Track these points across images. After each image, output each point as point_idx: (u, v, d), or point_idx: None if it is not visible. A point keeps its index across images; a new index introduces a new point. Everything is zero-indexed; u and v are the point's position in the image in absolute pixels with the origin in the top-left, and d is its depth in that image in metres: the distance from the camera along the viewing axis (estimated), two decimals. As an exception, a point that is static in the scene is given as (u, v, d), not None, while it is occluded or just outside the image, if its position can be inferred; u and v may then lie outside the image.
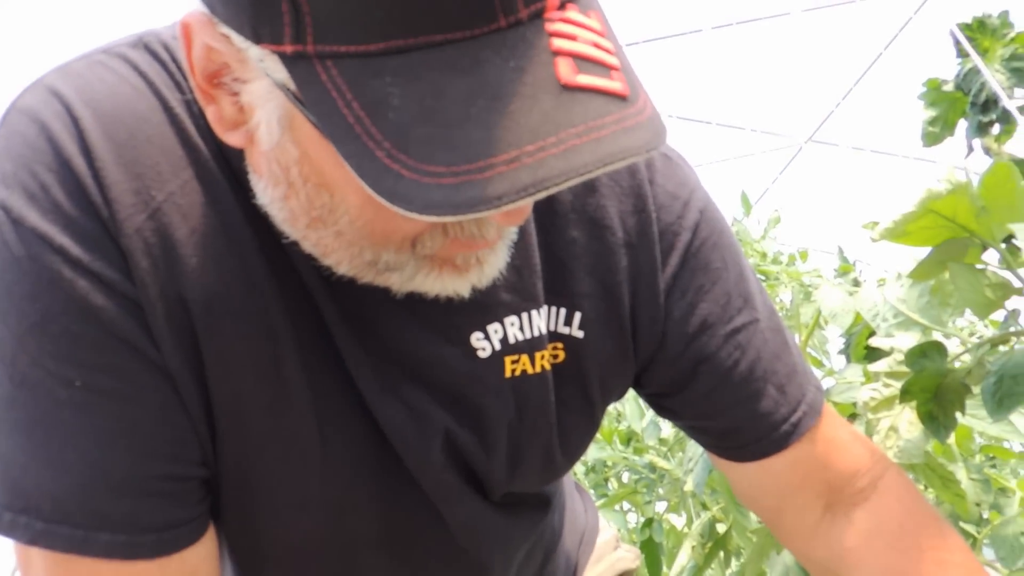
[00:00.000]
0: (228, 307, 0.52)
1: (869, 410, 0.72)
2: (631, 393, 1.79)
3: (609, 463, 1.83)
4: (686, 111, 4.68)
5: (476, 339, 0.58)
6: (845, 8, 4.23)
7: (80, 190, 0.47)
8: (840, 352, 1.15)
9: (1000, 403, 0.70)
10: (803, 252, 1.75)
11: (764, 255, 1.74)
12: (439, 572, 0.65)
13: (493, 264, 0.52)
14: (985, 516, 0.96)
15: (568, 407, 0.62)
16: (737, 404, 0.61)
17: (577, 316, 0.60)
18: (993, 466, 1.11)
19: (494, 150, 0.36)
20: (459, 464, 0.60)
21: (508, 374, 0.59)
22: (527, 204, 0.44)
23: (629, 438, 1.82)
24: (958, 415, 0.83)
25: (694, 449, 1.19)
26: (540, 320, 0.59)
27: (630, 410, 1.63)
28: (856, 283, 1.00)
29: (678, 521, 1.69)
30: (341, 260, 0.50)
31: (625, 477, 2.01)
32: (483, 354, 0.58)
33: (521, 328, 0.59)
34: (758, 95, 4.90)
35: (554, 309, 0.60)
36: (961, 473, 0.96)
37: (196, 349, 0.51)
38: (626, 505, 2.00)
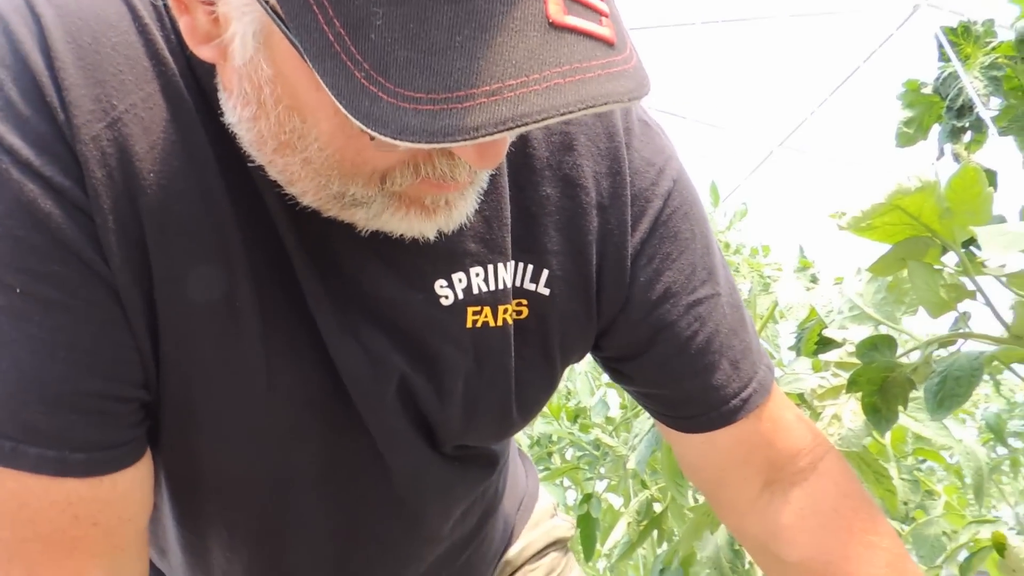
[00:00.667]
0: (184, 227, 0.50)
1: (816, 397, 0.73)
2: (582, 368, 1.79)
3: (555, 438, 1.85)
4: (664, 104, 4.69)
5: (440, 286, 0.57)
6: (829, 18, 4.27)
7: (36, 89, 0.45)
8: (790, 348, 1.17)
9: (941, 403, 0.72)
10: (766, 247, 1.79)
11: (728, 245, 1.76)
12: (373, 519, 0.65)
13: (461, 209, 0.51)
14: (911, 515, 0.99)
15: (527, 363, 0.62)
16: (691, 375, 0.62)
17: (544, 273, 0.60)
18: (920, 469, 1.15)
19: (476, 81, 0.36)
20: (412, 411, 0.60)
21: (469, 325, 0.59)
22: (502, 144, 0.43)
23: (577, 415, 1.84)
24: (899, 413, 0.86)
25: (640, 427, 1.21)
26: (506, 274, 0.59)
27: (581, 386, 1.65)
28: (814, 279, 1.02)
29: (616, 501, 1.72)
30: (307, 189, 0.49)
31: (569, 454, 2.04)
32: (446, 302, 0.58)
33: (486, 280, 0.58)
34: (737, 95, 4.93)
35: (521, 265, 0.60)
36: (893, 472, 0.99)
37: (146, 267, 0.50)
38: (566, 482, 2.03)
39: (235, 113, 0.48)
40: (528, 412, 0.64)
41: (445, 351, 0.58)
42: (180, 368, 0.53)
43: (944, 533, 0.92)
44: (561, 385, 2.32)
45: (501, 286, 0.59)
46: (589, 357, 0.69)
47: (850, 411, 0.72)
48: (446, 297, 0.58)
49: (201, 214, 0.51)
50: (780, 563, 0.65)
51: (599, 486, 1.78)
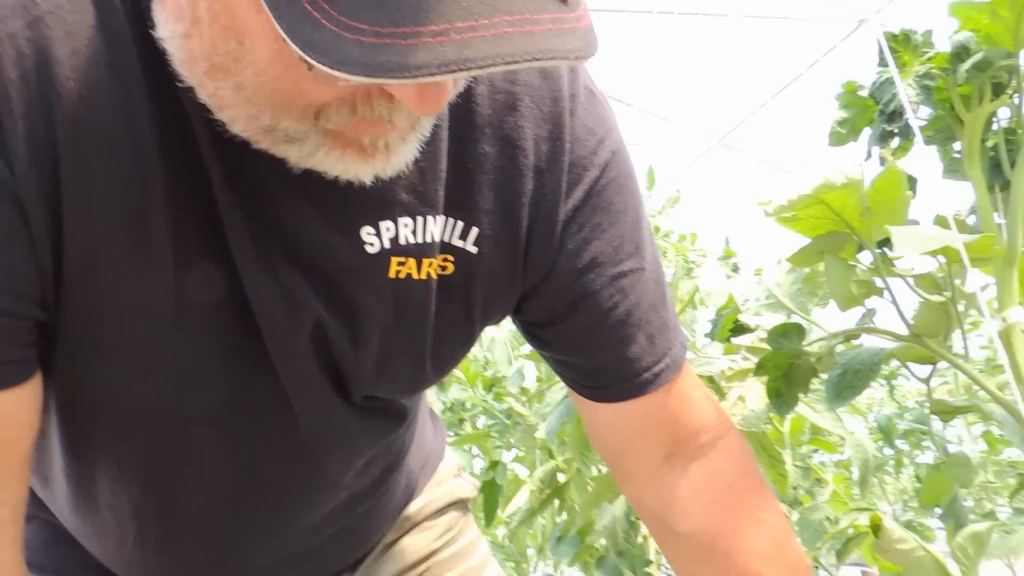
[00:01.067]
0: (100, 143, 0.47)
1: (724, 379, 0.75)
2: (502, 337, 1.79)
3: (468, 405, 1.86)
4: (612, 90, 4.71)
5: (366, 233, 0.56)
6: (780, 23, 4.35)
7: None
8: (707, 335, 1.21)
9: (839, 393, 0.75)
10: (693, 234, 1.83)
11: (658, 229, 1.79)
12: (272, 464, 0.63)
13: (401, 155, 0.50)
14: (799, 500, 1.04)
15: (447, 320, 0.61)
16: (607, 346, 0.63)
17: (474, 231, 0.59)
18: (812, 459, 1.20)
19: (424, 19, 0.35)
20: (324, 357, 0.59)
21: (392, 274, 0.58)
22: (444, 90, 0.42)
23: (492, 384, 1.85)
24: (800, 402, 0.89)
25: (552, 397, 1.22)
26: (435, 228, 0.58)
27: (499, 354, 1.66)
28: (735, 268, 1.05)
29: (522, 472, 1.74)
30: (237, 118, 0.47)
31: (481, 423, 2.05)
32: (370, 249, 0.56)
33: (414, 232, 0.57)
34: (683, 88, 4.99)
35: (451, 220, 0.59)
36: (788, 459, 1.03)
37: (56, 181, 0.47)
38: (475, 450, 2.04)
39: (167, 27, 0.45)
40: (442, 368, 0.64)
41: (364, 299, 0.57)
42: (83, 291, 0.51)
43: (827, 518, 0.97)
44: (479, 354, 2.33)
45: (429, 239, 0.58)
46: (510, 326, 0.69)
47: (755, 394, 0.74)
48: (371, 245, 0.56)
49: (121, 131, 0.48)
50: (672, 534, 0.67)
51: (507, 456, 1.80)
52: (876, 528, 0.62)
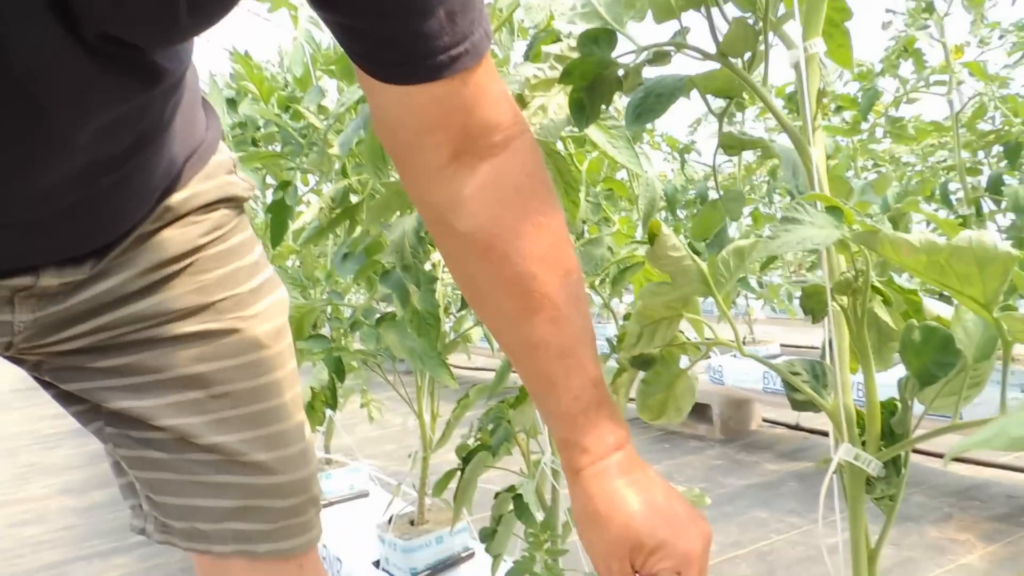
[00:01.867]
0: None
1: (528, 87, 0.71)
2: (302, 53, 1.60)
3: (261, 123, 1.71)
4: None
5: None
6: None
7: None
8: (523, 56, 1.15)
9: (639, 116, 0.73)
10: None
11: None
12: None
13: None
14: (586, 233, 1.07)
15: None
16: (402, 12, 0.55)
17: None
18: (608, 199, 1.24)
19: None
20: None
21: None
22: None
23: (289, 104, 1.70)
24: (599, 132, 0.88)
25: (352, 117, 1.14)
26: None
27: (295, 60, 1.50)
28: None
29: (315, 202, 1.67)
30: None
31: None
32: None
33: None
34: None
35: None
36: (583, 194, 1.04)
37: None
38: (268, 181, 1.93)
39: None
40: (199, 16, 0.53)
41: None
42: None
43: (609, 248, 1.01)
44: (280, 75, 2.14)
45: None
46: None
47: (556, 104, 0.71)
48: None
49: None
50: (453, 233, 0.64)
51: (302, 190, 1.71)
52: (653, 236, 0.63)
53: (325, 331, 1.84)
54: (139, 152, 0.65)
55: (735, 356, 3.66)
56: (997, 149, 2.11)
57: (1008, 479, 2.83)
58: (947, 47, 1.82)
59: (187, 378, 0.77)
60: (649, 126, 2.91)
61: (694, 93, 0.79)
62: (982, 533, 2.35)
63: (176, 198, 0.76)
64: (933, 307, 0.69)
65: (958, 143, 1.94)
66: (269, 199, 1.81)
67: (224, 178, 0.81)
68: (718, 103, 0.80)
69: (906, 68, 2.08)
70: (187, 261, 0.77)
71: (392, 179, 0.93)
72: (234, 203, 0.83)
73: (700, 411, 3.68)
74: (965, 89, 1.88)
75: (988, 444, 0.25)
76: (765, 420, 3.83)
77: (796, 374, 0.66)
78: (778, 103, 0.67)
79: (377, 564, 1.78)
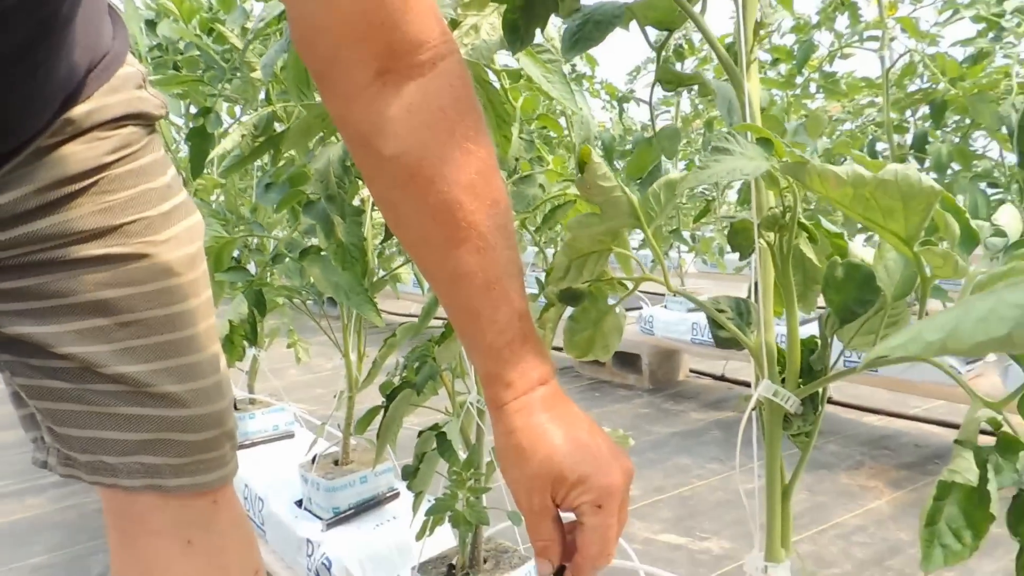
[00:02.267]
0: None
1: (460, 6, 0.67)
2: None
3: (181, 45, 1.62)
4: None
5: None
6: None
7: None
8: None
9: (576, 43, 0.71)
10: None
11: None
12: None
13: None
14: (518, 170, 1.04)
15: None
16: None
17: None
18: (545, 142, 1.21)
19: None
20: None
21: None
22: None
23: (211, 28, 1.61)
24: (535, 66, 0.85)
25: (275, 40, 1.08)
26: None
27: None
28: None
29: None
30: None
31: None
32: None
33: None
34: None
35: None
36: (516, 130, 1.01)
37: None
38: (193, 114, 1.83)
39: None
40: None
41: None
42: None
43: (540, 186, 0.99)
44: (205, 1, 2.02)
45: None
46: None
47: (489, 24, 0.67)
48: None
49: None
50: (377, 156, 0.61)
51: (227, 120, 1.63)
52: (583, 164, 0.62)
53: (251, 268, 1.79)
54: (33, 53, 0.60)
55: (666, 307, 3.72)
56: (924, 110, 2.16)
57: (917, 429, 2.98)
58: (882, 2, 1.84)
59: (92, 304, 0.72)
60: (588, 72, 2.87)
61: (634, 28, 0.77)
62: (890, 480, 2.48)
63: (78, 111, 0.70)
64: (858, 251, 0.70)
65: (887, 100, 1.98)
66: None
67: (133, 92, 0.76)
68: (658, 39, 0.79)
69: (842, 23, 2.10)
70: (91, 179, 0.72)
71: (316, 102, 0.89)
72: (144, 120, 0.78)
73: (630, 361, 3.75)
74: (897, 46, 1.91)
75: (904, 350, 0.25)
76: (692, 371, 3.93)
77: (721, 311, 0.66)
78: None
79: (300, 504, 1.76)
